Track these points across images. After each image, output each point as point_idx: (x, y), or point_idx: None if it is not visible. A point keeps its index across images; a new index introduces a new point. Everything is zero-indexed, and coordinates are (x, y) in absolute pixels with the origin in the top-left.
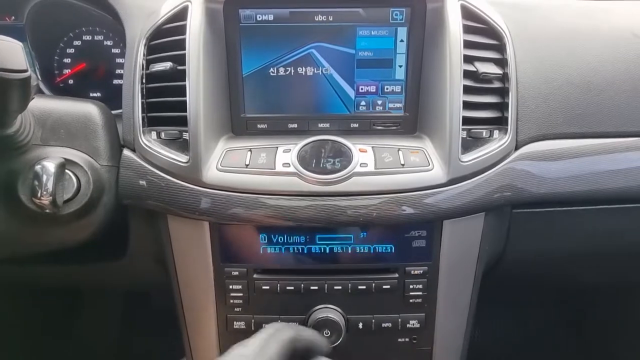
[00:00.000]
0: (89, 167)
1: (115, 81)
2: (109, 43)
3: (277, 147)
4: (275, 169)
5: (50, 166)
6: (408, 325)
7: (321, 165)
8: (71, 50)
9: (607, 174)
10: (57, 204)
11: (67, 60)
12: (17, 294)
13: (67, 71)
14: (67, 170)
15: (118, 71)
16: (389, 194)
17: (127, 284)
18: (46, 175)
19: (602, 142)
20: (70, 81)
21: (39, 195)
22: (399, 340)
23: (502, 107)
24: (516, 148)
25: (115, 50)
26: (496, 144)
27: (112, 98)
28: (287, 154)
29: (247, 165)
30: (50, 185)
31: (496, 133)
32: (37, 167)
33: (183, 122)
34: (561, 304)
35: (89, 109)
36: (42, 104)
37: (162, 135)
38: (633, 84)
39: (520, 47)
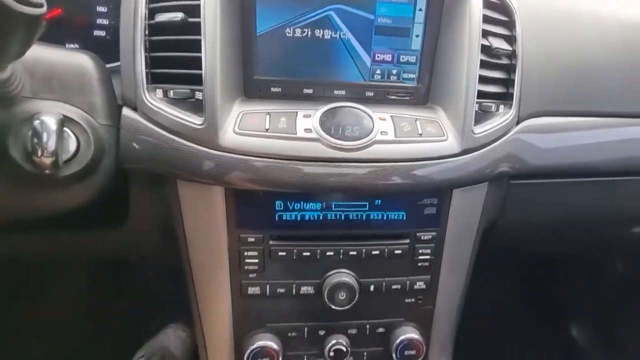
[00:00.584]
0: (88, 125)
1: (97, 32)
2: None
3: (296, 112)
4: (296, 134)
5: (51, 122)
6: (415, 287)
7: (343, 132)
8: None
9: (598, 147)
10: (59, 164)
11: None
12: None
13: None
14: (65, 128)
15: (100, 21)
16: (407, 162)
17: (124, 253)
18: (46, 132)
19: (598, 120)
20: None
21: (39, 154)
22: (406, 300)
23: (508, 83)
24: (518, 122)
25: None
26: (502, 118)
27: (91, 51)
28: (307, 119)
29: (267, 129)
30: (52, 143)
31: (502, 107)
32: (36, 123)
33: (194, 80)
34: (545, 272)
35: (83, 60)
36: (31, 50)
37: (170, 93)
38: (631, 68)
39: (524, 26)
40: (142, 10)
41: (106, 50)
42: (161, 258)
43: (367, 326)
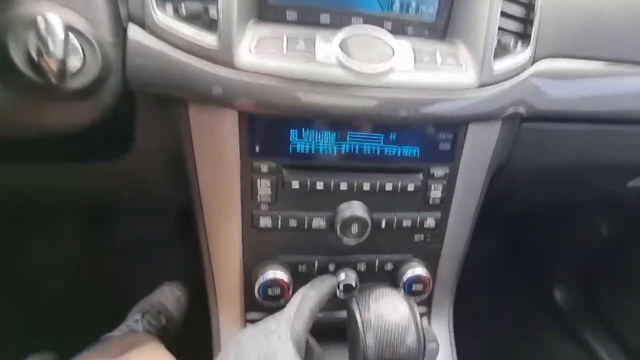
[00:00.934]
0: (93, 37)
1: None
2: None
3: (314, 36)
4: (316, 57)
5: (57, 22)
6: (425, 225)
7: (363, 57)
8: None
9: (611, 95)
10: (66, 73)
11: None
12: None
13: None
14: (70, 36)
15: None
16: (427, 91)
17: (127, 192)
18: (51, 34)
19: (613, 66)
20: None
21: (45, 58)
22: (415, 238)
23: (527, 21)
24: (533, 62)
25: None
26: (519, 56)
27: None
28: (327, 43)
29: (284, 51)
30: (59, 46)
31: (519, 45)
32: (40, 22)
33: None
34: (533, 232)
35: None
36: None
37: (182, 10)
38: None
39: None
40: None
41: None
42: (167, 195)
43: (377, 262)
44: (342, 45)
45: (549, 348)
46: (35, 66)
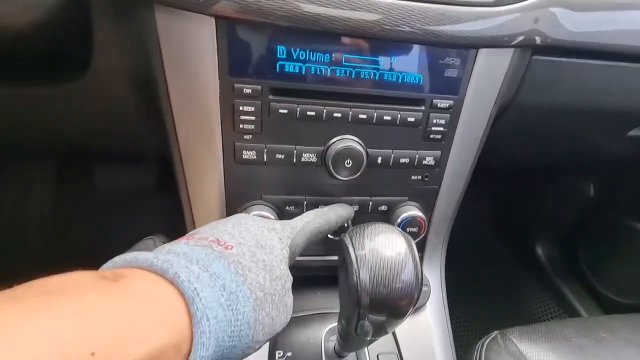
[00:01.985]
0: None
1: None
2: None
3: None
4: None
5: None
6: (424, 162)
7: None
8: None
9: (630, 29)
10: None
11: None
12: None
13: None
14: None
15: None
16: (435, 4)
17: (87, 118)
18: None
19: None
20: None
21: None
22: (412, 177)
23: None
24: None
25: None
26: None
27: None
28: None
29: None
30: None
31: None
32: None
33: None
34: (518, 188)
35: None
36: None
37: None
38: None
39: None
40: None
41: None
42: (137, 130)
43: (370, 203)
44: None
45: (526, 295)
46: None
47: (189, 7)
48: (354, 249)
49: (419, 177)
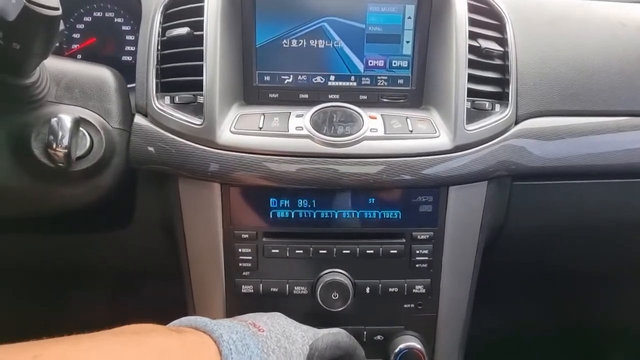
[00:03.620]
0: (101, 128)
1: (124, 58)
2: (119, 20)
3: (289, 113)
4: (288, 131)
5: (67, 120)
6: (414, 291)
7: (333, 129)
8: (81, 26)
9: (599, 151)
10: (71, 158)
11: (77, 36)
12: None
13: (75, 46)
14: (80, 129)
15: (127, 48)
16: (397, 158)
17: (131, 258)
18: (62, 129)
19: (595, 120)
20: (79, 56)
21: (53, 147)
22: (405, 306)
23: (503, 83)
24: (516, 123)
25: (126, 28)
26: (498, 117)
27: (121, 73)
28: (299, 118)
29: (260, 128)
30: (66, 138)
31: (497, 107)
32: (54, 120)
33: (197, 86)
34: (557, 292)
35: (103, 73)
36: (58, 64)
37: (176, 99)
38: (622, 67)
39: (518, 29)
40: (157, 29)
41: (131, 72)
42: (163, 261)
43: (365, 333)
44: (313, 119)
45: None
46: (49, 155)
47: (201, 178)
48: None
49: (412, 306)
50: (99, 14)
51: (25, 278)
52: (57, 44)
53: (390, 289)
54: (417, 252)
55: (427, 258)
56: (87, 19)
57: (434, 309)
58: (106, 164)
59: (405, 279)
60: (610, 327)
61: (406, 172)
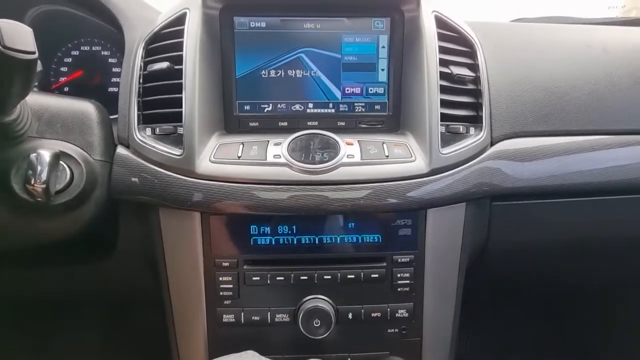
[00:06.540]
0: (82, 160)
1: (111, 89)
2: (106, 53)
3: (268, 141)
4: (266, 160)
5: (46, 155)
6: (397, 315)
7: (310, 156)
8: (68, 60)
9: (574, 171)
10: (50, 192)
11: (64, 69)
12: None
13: (63, 79)
14: (61, 162)
15: (114, 79)
16: (374, 183)
17: (114, 288)
18: (41, 164)
19: (569, 140)
20: (66, 88)
21: (32, 182)
22: (389, 331)
23: (477, 106)
24: (492, 144)
25: (112, 60)
26: (473, 139)
27: (107, 104)
28: (277, 146)
29: (239, 157)
30: (44, 173)
31: (472, 130)
32: (32, 156)
33: (177, 117)
34: (545, 308)
35: (85, 106)
36: (40, 99)
37: (157, 131)
38: (590, 87)
39: (488, 54)
40: (138, 63)
41: (117, 103)
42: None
43: (349, 359)
44: (291, 148)
45: None
46: (27, 190)
47: (182, 207)
48: None
49: (396, 330)
50: (86, 48)
51: (8, 309)
52: (37, 83)
53: (373, 314)
54: (399, 275)
55: (408, 281)
56: (75, 52)
57: (419, 333)
58: (87, 196)
59: (388, 304)
60: (597, 342)
61: (383, 197)
